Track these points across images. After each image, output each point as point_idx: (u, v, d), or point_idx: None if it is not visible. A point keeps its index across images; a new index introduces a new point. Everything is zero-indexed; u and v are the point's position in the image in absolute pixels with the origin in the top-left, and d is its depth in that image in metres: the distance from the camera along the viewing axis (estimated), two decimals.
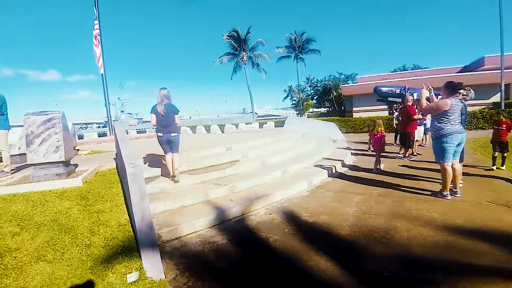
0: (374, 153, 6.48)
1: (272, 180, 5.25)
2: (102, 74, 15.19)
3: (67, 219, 3.17)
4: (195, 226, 3.57)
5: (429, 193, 4.48)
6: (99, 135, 20.19)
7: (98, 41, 14.82)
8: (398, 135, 9.36)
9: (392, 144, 10.64)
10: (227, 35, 29.97)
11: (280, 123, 20.51)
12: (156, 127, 4.69)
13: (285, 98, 68.27)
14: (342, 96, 38.11)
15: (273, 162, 6.28)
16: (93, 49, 14.82)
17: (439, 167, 4.34)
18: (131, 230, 3.16)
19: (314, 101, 53.10)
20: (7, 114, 5.11)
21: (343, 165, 6.98)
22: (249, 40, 30.40)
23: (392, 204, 4.14)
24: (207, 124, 23.90)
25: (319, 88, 48.90)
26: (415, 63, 49.94)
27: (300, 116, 47.39)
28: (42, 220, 3.10)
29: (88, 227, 3.05)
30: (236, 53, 31.23)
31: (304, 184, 5.12)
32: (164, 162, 4.92)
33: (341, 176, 6.04)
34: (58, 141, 4.36)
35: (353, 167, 6.84)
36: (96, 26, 14.67)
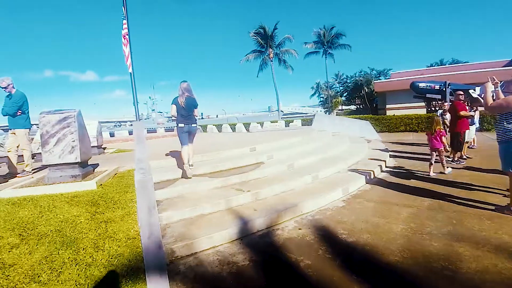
0: (429, 156, 5.76)
1: (301, 186, 4.66)
2: (130, 74, 15.43)
3: (72, 229, 2.85)
4: (214, 241, 3.11)
5: (493, 207, 3.67)
6: (129, 133, 20.72)
7: (127, 40, 15.03)
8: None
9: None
10: (254, 32, 29.49)
11: (307, 121, 19.67)
12: (176, 118, 4.79)
13: (313, 95, 66.43)
14: (374, 92, 36.19)
15: (302, 165, 5.68)
16: (122, 48, 15.10)
17: (504, 176, 3.52)
18: (140, 245, 2.75)
19: (344, 98, 51.06)
20: (28, 113, 5.03)
21: (382, 170, 6.20)
22: (276, 36, 29.69)
23: (448, 221, 3.40)
24: (232, 123, 23.67)
25: (349, 84, 46.84)
26: (454, 57, 45.92)
27: (329, 114, 45.80)
28: (45, 230, 2.80)
29: (93, 241, 2.70)
30: (263, 50, 30.64)
31: (338, 192, 4.47)
32: (181, 155, 4.83)
33: (381, 183, 5.29)
34: (74, 141, 4.12)
35: (394, 172, 6.03)
36: (125, 26, 14.88)
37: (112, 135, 19.32)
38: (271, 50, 29.80)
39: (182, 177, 4.73)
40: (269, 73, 32.49)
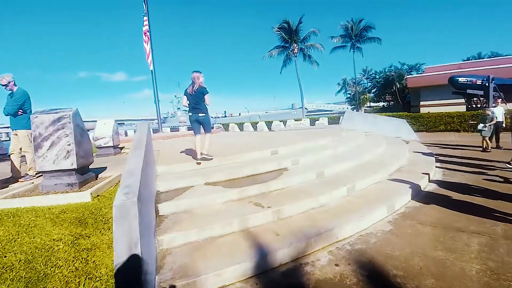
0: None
1: (334, 201, 3.81)
2: (151, 71, 15.21)
3: (45, 260, 2.26)
4: (223, 279, 2.39)
5: None
6: (154, 131, 20.72)
7: (148, 38, 14.79)
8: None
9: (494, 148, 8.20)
10: (278, 27, 28.48)
11: (334, 119, 18.49)
12: (188, 108, 4.84)
13: (338, 92, 64.06)
14: (406, 88, 33.88)
15: (333, 172, 4.80)
16: (143, 45, 14.86)
17: None
18: None
19: (372, 95, 48.52)
20: (30, 112, 4.61)
21: (430, 180, 5.15)
22: (300, 30, 28.48)
23: None
24: (255, 121, 23.00)
25: (379, 80, 44.23)
26: (493, 51, 41.60)
27: (357, 111, 43.68)
28: (13, 261, 2.23)
29: (65, 279, 2.08)
30: (287, 45, 29.55)
31: (382, 211, 3.57)
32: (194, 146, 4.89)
33: (433, 197, 4.29)
34: (69, 144, 3.60)
35: (446, 184, 4.97)
36: (146, 22, 14.63)
37: (125, 134, 19.41)
38: (295, 45, 28.64)
39: (195, 185, 4.09)
40: (293, 69, 31.48)
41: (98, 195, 3.59)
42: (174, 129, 23.84)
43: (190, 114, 4.81)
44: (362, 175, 4.63)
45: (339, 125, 13.06)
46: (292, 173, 4.54)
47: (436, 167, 6.13)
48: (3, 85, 4.44)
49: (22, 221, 2.81)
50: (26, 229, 2.67)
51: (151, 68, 15.16)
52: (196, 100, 4.70)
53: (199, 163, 4.77)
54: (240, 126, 20.18)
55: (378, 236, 3.10)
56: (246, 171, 4.53)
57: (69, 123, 3.56)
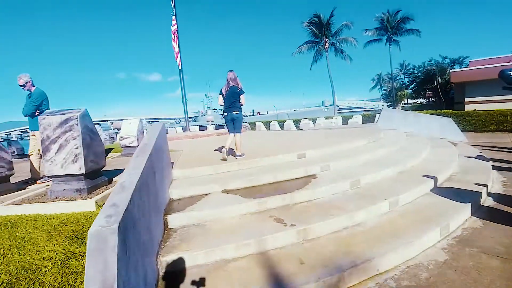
0: None
1: (372, 219, 3.17)
2: (180, 70, 15.25)
3: (28, 285, 1.95)
4: None
5: None
6: (183, 130, 20.94)
7: (176, 37, 14.83)
8: None
9: None
10: (308, 22, 27.44)
11: (369, 118, 17.25)
12: (222, 107, 4.92)
13: (373, 88, 61.00)
14: (449, 83, 31.04)
15: (371, 181, 4.13)
16: (172, 45, 14.92)
17: None
18: None
19: (410, 91, 45.29)
20: None
21: (489, 192, 4.26)
22: (332, 24, 27.16)
23: None
24: (282, 119, 22.35)
25: (418, 75, 41.02)
26: None
27: (393, 109, 41.01)
28: None
29: None
30: (317, 40, 28.38)
31: (434, 234, 2.87)
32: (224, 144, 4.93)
33: (495, 215, 3.46)
34: (77, 148, 3.36)
35: (509, 198, 4.05)
36: (174, 22, 14.65)
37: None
38: (326, 39, 27.39)
39: (211, 193, 3.70)
40: (324, 65, 30.18)
41: (104, 204, 3.31)
42: (203, 127, 24.03)
43: (225, 114, 4.90)
44: (406, 185, 3.90)
45: (375, 124, 12.03)
46: (321, 181, 3.95)
47: (493, 172, 5.15)
48: (20, 86, 4.38)
49: (18, 233, 2.58)
50: (19, 243, 2.42)
51: (180, 67, 15.22)
52: (232, 100, 4.77)
53: (223, 160, 4.71)
54: (267, 125, 19.66)
55: (430, 269, 2.43)
56: (268, 178, 4.03)
57: (77, 125, 3.32)
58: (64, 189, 3.45)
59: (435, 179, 4.36)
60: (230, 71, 4.81)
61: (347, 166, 4.66)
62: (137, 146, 7.74)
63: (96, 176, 3.79)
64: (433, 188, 4.11)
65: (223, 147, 4.86)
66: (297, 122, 19.07)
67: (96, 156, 3.65)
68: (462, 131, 12.40)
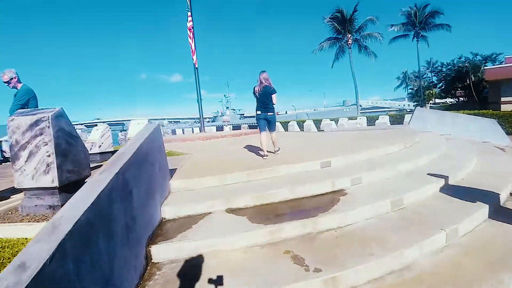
0: None
1: (426, 258, 2.29)
2: (195, 68, 14.73)
3: None
4: None
5: None
6: (200, 130, 20.44)
7: (192, 34, 14.33)
8: None
9: None
10: (330, 17, 26.16)
11: (396, 118, 15.94)
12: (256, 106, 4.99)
13: (398, 86, 58.01)
14: (483, 82, 28.68)
15: (416, 200, 3.22)
16: (188, 41, 14.43)
17: None
18: None
19: (438, 90, 42.52)
20: None
21: None
22: (355, 19, 25.71)
23: None
24: (301, 119, 21.34)
25: (448, 72, 38.27)
26: None
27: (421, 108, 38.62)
28: None
29: None
30: (339, 36, 27.01)
31: None
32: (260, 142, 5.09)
33: None
34: (49, 155, 2.75)
35: None
36: (190, 18, 14.15)
37: (173, 132, 19.48)
38: (349, 35, 25.98)
39: (216, 211, 2.97)
40: (346, 63, 28.80)
41: None
42: (219, 128, 23.56)
43: (259, 112, 4.95)
44: (462, 207, 2.97)
45: (406, 126, 10.84)
46: (352, 199, 3.11)
47: None
48: (4, 82, 3.88)
49: None
50: None
51: (196, 65, 14.72)
52: (264, 99, 4.85)
53: (266, 157, 4.82)
54: (285, 125, 18.74)
55: None
56: (284, 193, 3.23)
57: (48, 127, 2.71)
58: (36, 205, 2.87)
59: (497, 198, 3.38)
60: (263, 71, 4.91)
61: (383, 179, 3.77)
62: None
63: (77, 189, 3.17)
64: (492, 209, 3.13)
65: (236, 149, 5.15)
66: (317, 123, 18.04)
67: (75, 164, 3.03)
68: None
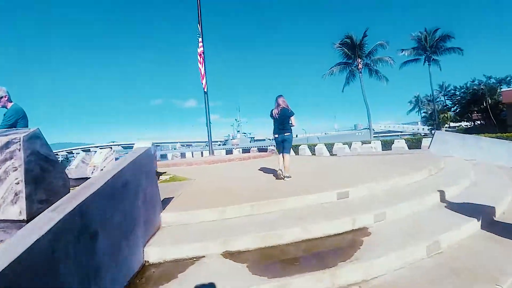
0: None
1: None
2: (205, 93, 14.68)
3: None
4: None
5: None
6: (209, 154, 20.19)
7: (202, 59, 14.45)
8: None
9: None
10: (339, 43, 26.38)
11: (413, 142, 15.19)
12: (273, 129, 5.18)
13: (411, 110, 57.09)
14: (500, 104, 27.83)
15: (454, 243, 2.61)
16: (198, 67, 14.54)
17: None
18: None
19: (452, 113, 41.40)
20: None
21: None
22: (365, 44, 25.81)
23: None
24: (313, 143, 20.78)
25: (462, 96, 37.37)
26: None
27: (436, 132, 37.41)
28: None
29: None
30: (349, 61, 27.05)
31: None
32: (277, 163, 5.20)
33: None
34: (18, 182, 2.35)
35: None
36: (200, 44, 14.34)
37: (183, 156, 19.23)
38: (359, 60, 25.95)
39: (208, 255, 2.43)
40: (356, 87, 28.53)
41: None
42: (229, 151, 23.29)
43: (276, 135, 5.09)
44: None
45: (426, 150, 10.13)
46: (377, 241, 2.52)
47: None
48: None
49: None
50: None
51: (205, 89, 14.68)
52: (282, 122, 4.97)
53: (281, 178, 4.92)
54: (295, 148, 18.19)
55: None
56: (294, 232, 2.68)
57: (19, 150, 2.33)
58: (1, 240, 2.43)
59: None
60: (280, 96, 5.06)
61: (411, 214, 3.17)
62: None
63: None
64: None
65: (242, 174, 5.03)
66: (329, 146, 17.42)
67: (50, 194, 2.61)
68: None
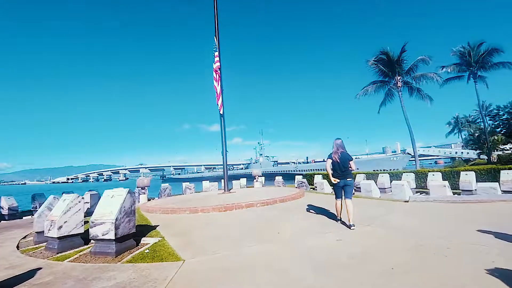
0: None
1: None
2: (221, 115, 12.30)
3: None
4: None
5: None
6: (225, 190, 17.44)
7: (219, 76, 12.19)
8: None
9: None
10: (373, 60, 23.65)
11: (481, 173, 11.65)
12: (332, 173, 5.06)
13: (450, 133, 51.74)
14: None
15: None
16: (213, 84, 12.29)
17: None
18: None
19: (501, 136, 36.33)
20: None
21: None
22: (404, 61, 22.84)
23: None
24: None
25: (508, 117, 32.63)
26: None
27: (487, 158, 32.50)
28: None
29: None
30: (386, 80, 24.09)
31: None
32: (335, 208, 5.24)
33: None
34: None
35: None
36: (217, 59, 12.19)
37: (198, 188, 16.53)
38: (398, 77, 22.89)
39: None
40: (392, 107, 25.19)
41: None
42: (249, 180, 20.12)
43: (337, 180, 4.94)
44: None
45: None
46: None
47: None
48: None
49: None
50: None
51: (221, 111, 12.34)
52: (343, 166, 4.90)
53: (339, 221, 5.13)
54: (326, 177, 15.07)
55: None
56: None
57: None
58: None
59: None
60: (338, 138, 5.09)
61: None
62: (114, 240, 4.34)
63: None
64: None
65: (270, 236, 4.60)
66: (369, 176, 14.21)
67: None
68: None
